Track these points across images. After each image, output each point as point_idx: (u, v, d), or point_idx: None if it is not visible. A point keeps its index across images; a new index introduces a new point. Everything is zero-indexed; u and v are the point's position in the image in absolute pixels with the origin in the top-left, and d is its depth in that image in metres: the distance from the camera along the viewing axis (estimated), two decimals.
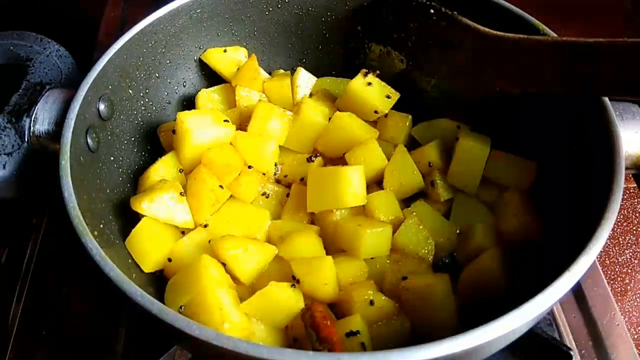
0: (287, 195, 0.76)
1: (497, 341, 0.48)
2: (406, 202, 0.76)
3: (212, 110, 0.80)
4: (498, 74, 0.70)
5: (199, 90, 0.84)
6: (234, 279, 0.65)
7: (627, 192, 0.94)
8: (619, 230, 0.90)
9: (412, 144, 0.80)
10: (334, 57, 0.90)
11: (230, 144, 0.75)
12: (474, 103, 0.77)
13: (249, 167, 0.74)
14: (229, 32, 0.86)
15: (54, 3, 1.21)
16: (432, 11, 0.76)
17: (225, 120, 0.75)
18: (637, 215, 0.92)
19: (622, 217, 0.92)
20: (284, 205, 0.75)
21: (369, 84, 0.79)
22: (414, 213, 0.72)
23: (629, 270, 0.85)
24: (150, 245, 0.66)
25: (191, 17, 0.80)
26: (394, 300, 0.66)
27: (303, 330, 0.60)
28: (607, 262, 0.86)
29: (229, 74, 0.85)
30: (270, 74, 0.90)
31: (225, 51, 0.85)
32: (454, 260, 0.72)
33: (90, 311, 0.79)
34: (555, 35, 0.70)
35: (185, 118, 0.72)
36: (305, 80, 0.87)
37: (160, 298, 0.63)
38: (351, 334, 0.59)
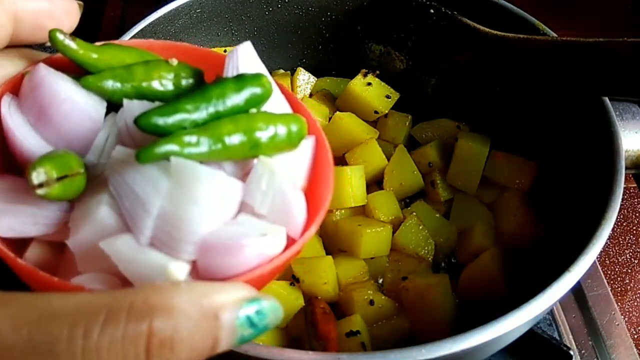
0: None
1: (497, 341, 0.48)
2: (406, 202, 0.77)
3: None
4: (498, 74, 0.70)
5: None
6: None
7: (627, 192, 0.94)
8: (619, 230, 0.90)
9: (412, 144, 0.80)
10: (334, 57, 0.90)
11: None
12: (474, 103, 0.77)
13: None
14: (229, 32, 0.85)
15: None
16: (432, 11, 0.76)
17: None
18: (637, 215, 0.92)
19: (622, 217, 0.91)
20: None
21: (369, 84, 0.79)
22: (414, 213, 0.72)
23: (629, 270, 0.85)
24: None
25: (191, 17, 0.80)
26: (394, 300, 0.66)
27: (302, 329, 0.60)
28: (607, 262, 0.86)
29: None
30: (270, 74, 0.90)
31: (225, 51, 0.85)
32: (454, 260, 0.72)
33: None
34: (555, 35, 0.70)
35: None
36: (305, 80, 0.87)
37: None
38: (351, 334, 0.59)
